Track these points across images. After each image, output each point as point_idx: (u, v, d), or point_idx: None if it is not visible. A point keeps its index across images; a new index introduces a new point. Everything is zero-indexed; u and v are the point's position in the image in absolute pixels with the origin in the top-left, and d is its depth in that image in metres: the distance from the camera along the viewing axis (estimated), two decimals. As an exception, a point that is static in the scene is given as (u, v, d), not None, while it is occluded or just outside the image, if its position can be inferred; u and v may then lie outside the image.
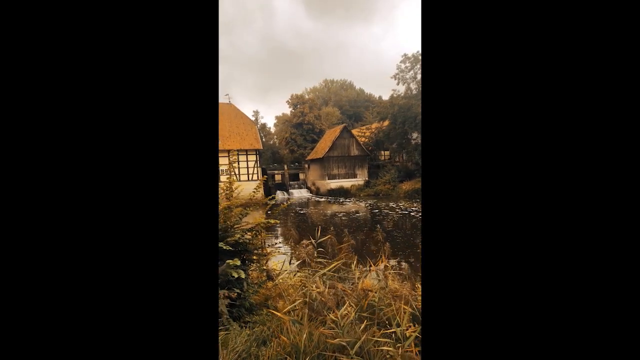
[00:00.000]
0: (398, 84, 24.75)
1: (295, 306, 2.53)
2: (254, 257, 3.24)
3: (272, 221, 2.82)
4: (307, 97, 37.93)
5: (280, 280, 2.79)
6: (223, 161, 20.99)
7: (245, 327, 2.44)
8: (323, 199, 23.86)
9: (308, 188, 29.34)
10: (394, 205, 17.55)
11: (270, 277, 2.57)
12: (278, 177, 29.96)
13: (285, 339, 1.81)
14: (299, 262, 2.20)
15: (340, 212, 16.63)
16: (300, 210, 18.52)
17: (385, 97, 33.56)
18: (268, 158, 41.25)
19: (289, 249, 4.46)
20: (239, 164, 22.00)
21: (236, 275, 2.20)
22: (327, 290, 1.86)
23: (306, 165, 31.18)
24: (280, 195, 25.64)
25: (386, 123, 26.24)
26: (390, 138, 26.25)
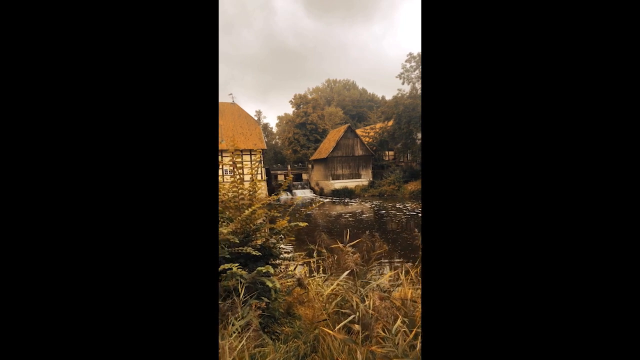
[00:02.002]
0: (403, 83, 24.56)
1: (327, 316, 2.32)
2: (278, 262, 3.04)
3: (302, 224, 2.62)
4: (310, 97, 37.72)
5: (311, 288, 2.58)
6: (227, 160, 20.80)
7: (277, 340, 2.23)
8: (327, 200, 23.64)
9: (311, 188, 29.14)
10: (400, 206, 17.33)
11: (301, 285, 2.37)
12: (281, 177, 29.78)
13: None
14: (347, 271, 2.00)
15: (346, 213, 16.42)
16: (307, 211, 18.26)
17: (388, 97, 33.39)
18: (270, 158, 41.06)
19: (293, 252, 4.21)
20: (242, 163, 21.82)
21: (270, 285, 1.99)
22: (381, 302, 1.66)
23: (310, 166, 30.99)
24: (283, 195, 25.45)
25: (390, 123, 26.02)
26: (395, 138, 26.05)
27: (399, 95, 24.94)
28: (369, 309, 1.78)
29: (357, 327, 1.62)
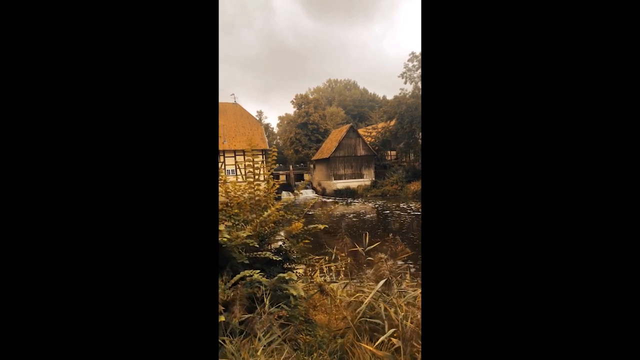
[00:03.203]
0: (405, 82, 24.42)
1: (352, 324, 2.18)
2: (293, 266, 2.90)
3: (321, 226, 2.48)
4: (311, 97, 37.57)
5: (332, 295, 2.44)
6: (230, 161, 20.67)
7: (298, 350, 2.10)
8: (330, 200, 23.49)
9: (314, 189, 28.99)
10: (404, 206, 17.19)
11: (323, 292, 2.23)
12: (282, 178, 29.63)
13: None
14: (384, 281, 1.86)
15: (350, 213, 16.28)
16: (308, 211, 18.14)
17: (389, 97, 33.26)
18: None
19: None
20: (244, 164, 21.68)
21: (295, 293, 1.86)
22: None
23: (312, 166, 30.85)
24: (285, 195, 25.31)
25: (392, 123, 25.87)
26: (397, 138, 25.90)
27: (401, 94, 24.79)
28: (407, 320, 1.64)
29: (396, 342, 1.48)
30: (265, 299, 1.74)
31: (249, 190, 2.54)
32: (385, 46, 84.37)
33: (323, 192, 27.28)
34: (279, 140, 45.58)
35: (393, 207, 17.43)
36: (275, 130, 49.07)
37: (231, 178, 15.88)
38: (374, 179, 26.78)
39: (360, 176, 26.87)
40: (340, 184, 25.94)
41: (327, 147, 27.99)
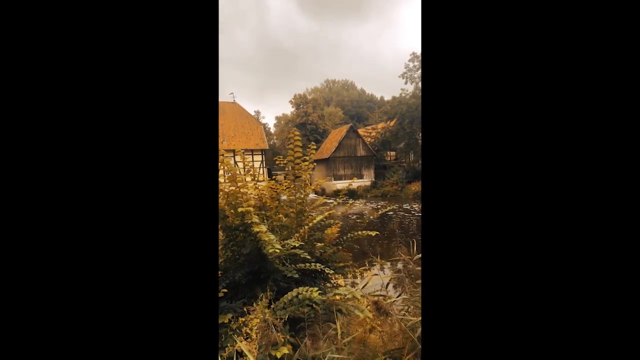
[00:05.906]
0: (406, 83, 24.23)
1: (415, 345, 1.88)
2: (331, 275, 2.58)
3: (372, 232, 2.17)
4: (309, 97, 37.28)
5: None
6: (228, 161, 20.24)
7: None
8: (330, 200, 23.22)
9: (313, 189, 28.71)
10: (407, 207, 16.97)
11: (382, 310, 1.92)
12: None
13: None
14: None
15: (352, 214, 16.00)
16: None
17: (387, 97, 33.13)
18: (269, 158, 40.51)
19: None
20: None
21: (362, 316, 1.55)
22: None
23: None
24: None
25: (392, 123, 25.67)
26: (397, 138, 25.70)
27: (402, 95, 24.60)
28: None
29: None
30: (337, 326, 1.42)
31: (287, 193, 2.23)
32: (381, 46, 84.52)
33: (322, 193, 26.99)
34: (276, 140, 45.21)
35: (396, 208, 17.18)
36: (272, 130, 48.67)
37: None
38: (373, 179, 26.56)
39: (360, 177, 26.63)
40: (340, 185, 25.66)
41: (327, 148, 27.72)
